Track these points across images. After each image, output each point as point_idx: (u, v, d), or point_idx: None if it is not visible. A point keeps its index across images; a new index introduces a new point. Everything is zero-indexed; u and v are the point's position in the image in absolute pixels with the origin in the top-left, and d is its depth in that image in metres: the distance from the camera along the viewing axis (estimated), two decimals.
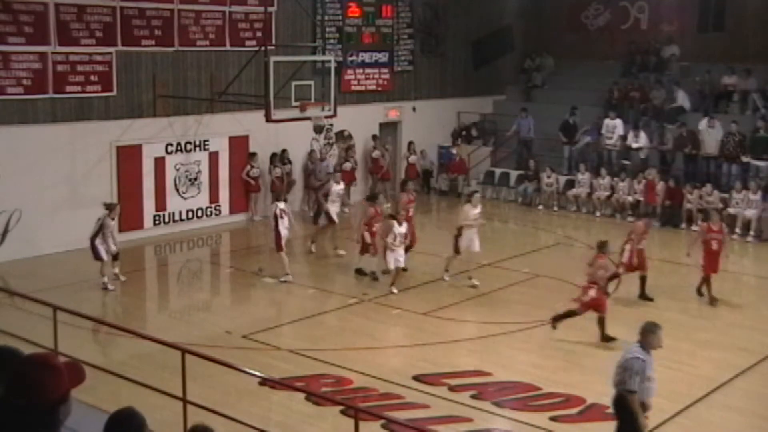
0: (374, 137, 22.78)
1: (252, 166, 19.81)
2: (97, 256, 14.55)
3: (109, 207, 14.92)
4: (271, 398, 10.37)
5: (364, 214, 15.95)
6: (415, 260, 17.61)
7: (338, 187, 17.75)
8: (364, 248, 15.45)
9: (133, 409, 3.92)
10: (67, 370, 3.32)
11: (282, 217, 15.34)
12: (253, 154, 19.85)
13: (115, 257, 14.91)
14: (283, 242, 15.29)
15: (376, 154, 22.67)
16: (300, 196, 21.37)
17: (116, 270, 15.04)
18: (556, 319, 12.52)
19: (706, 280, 14.41)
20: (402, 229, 14.68)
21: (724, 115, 21.73)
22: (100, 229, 14.55)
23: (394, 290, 14.55)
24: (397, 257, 14.65)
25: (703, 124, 21.33)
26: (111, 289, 14.56)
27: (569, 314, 12.44)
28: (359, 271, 15.69)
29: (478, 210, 15.49)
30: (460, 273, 15.33)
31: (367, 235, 15.27)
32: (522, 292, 14.99)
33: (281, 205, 15.54)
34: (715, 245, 14.30)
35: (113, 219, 14.86)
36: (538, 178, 22.77)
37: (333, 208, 17.39)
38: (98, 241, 14.51)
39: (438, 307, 13.92)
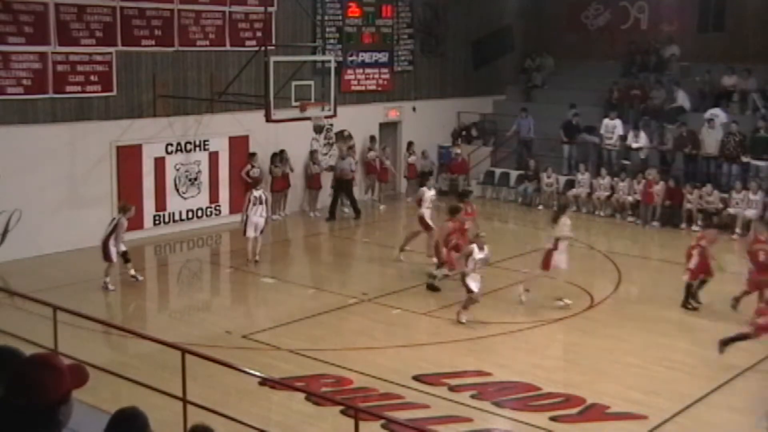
0: (372, 138, 22.60)
1: (252, 166, 19.80)
2: (107, 257, 14.52)
3: (124, 208, 14.93)
4: (271, 398, 10.36)
5: (441, 229, 14.90)
6: (416, 260, 17.62)
7: (430, 193, 16.74)
8: (442, 262, 14.80)
9: (137, 409, 3.94)
10: (69, 372, 3.32)
11: (256, 205, 16.11)
12: (253, 154, 19.85)
13: (126, 259, 14.86)
14: (254, 229, 16.05)
15: (371, 155, 22.52)
16: (301, 196, 21.35)
17: (132, 271, 14.97)
18: (725, 343, 11.57)
19: (751, 293, 13.61)
20: (483, 254, 13.14)
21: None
22: (114, 230, 14.54)
23: (463, 319, 13.10)
24: (477, 282, 13.11)
25: (708, 114, 21.39)
26: (111, 290, 14.56)
27: (742, 337, 11.57)
28: (431, 287, 14.90)
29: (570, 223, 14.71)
30: (556, 299, 14.10)
31: (444, 251, 14.57)
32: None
33: (256, 192, 16.31)
34: (762, 256, 13.75)
35: (127, 220, 14.87)
36: (538, 178, 22.77)
37: (428, 213, 16.40)
38: (111, 243, 14.49)
39: (438, 307, 13.91)
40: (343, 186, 20.96)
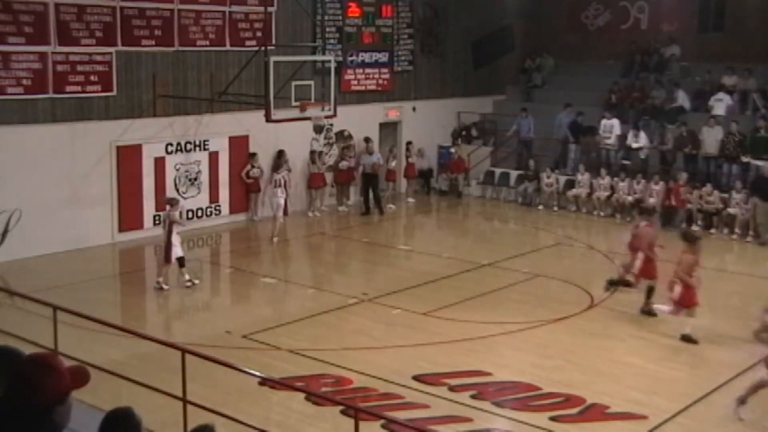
0: (366, 140, 22.18)
1: (252, 166, 19.81)
2: (167, 259, 14.48)
3: (170, 202, 14.87)
4: (271, 398, 10.36)
5: (683, 263, 12.66)
6: (415, 260, 17.65)
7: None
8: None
9: (130, 409, 3.86)
10: (70, 373, 3.31)
11: (276, 187, 18.18)
12: (254, 154, 19.85)
13: (181, 263, 14.70)
14: (275, 208, 18.10)
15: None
16: (301, 196, 21.33)
17: (186, 276, 14.79)
18: None
19: None
20: None
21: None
22: (170, 228, 14.44)
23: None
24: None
25: (712, 100, 21.50)
26: (166, 288, 14.57)
27: None
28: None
29: None
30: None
31: (677, 289, 12.57)
32: (522, 292, 14.97)
33: (277, 175, 18.41)
34: None
35: (178, 212, 14.83)
36: (538, 178, 22.77)
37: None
38: (173, 241, 14.40)
39: (438, 307, 13.91)
40: (370, 181, 21.18)
